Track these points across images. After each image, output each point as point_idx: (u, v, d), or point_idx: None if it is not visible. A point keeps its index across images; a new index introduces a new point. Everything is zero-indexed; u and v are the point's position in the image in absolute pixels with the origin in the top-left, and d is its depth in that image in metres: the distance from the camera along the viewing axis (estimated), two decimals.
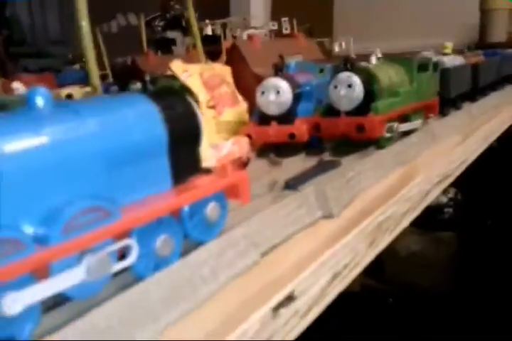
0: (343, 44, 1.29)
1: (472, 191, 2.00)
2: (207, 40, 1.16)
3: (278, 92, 0.53)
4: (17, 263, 0.19)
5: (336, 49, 1.30)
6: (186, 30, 1.22)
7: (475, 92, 0.82)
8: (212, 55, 0.90)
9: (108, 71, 0.82)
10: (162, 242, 0.26)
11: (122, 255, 0.25)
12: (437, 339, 1.20)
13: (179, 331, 0.25)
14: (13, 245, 0.19)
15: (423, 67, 0.60)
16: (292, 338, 0.29)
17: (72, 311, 0.24)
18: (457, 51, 1.21)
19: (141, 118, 0.26)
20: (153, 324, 0.24)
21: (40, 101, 0.23)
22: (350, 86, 0.50)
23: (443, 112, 0.70)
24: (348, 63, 0.51)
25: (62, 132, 0.23)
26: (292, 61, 0.60)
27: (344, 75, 0.50)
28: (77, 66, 1.08)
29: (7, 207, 0.20)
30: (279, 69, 0.54)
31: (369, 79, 0.51)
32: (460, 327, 1.23)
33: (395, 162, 0.51)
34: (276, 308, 0.28)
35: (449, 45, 1.29)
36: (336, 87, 0.51)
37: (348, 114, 0.51)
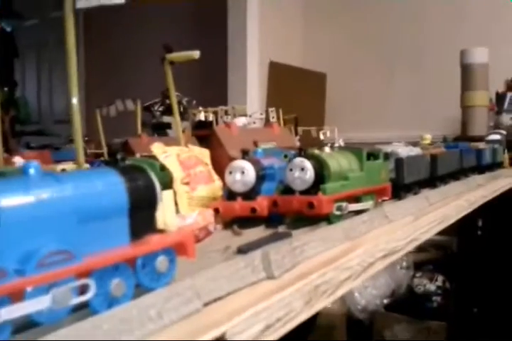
0: (328, 133, 1.41)
1: (460, 279, 2.03)
2: (200, 125, 1.28)
3: (243, 172, 0.61)
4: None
5: (322, 137, 1.42)
6: (183, 116, 1.34)
7: (434, 180, 0.91)
8: (204, 139, 1.01)
9: (104, 150, 0.92)
10: (116, 285, 0.33)
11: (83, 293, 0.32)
12: None
13: None
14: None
15: (374, 156, 0.69)
16: None
17: (39, 333, 0.30)
18: (434, 142, 1.32)
19: (108, 187, 0.34)
20: None
21: (32, 171, 0.31)
22: (303, 169, 0.59)
23: (399, 196, 0.78)
24: (302, 151, 0.60)
25: (46, 193, 0.30)
26: (260, 147, 0.69)
27: (298, 160, 0.59)
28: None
29: None
30: (245, 153, 0.63)
31: (320, 165, 0.60)
32: None
33: (343, 236, 0.58)
34: None
35: (428, 137, 1.41)
36: (291, 170, 0.59)
37: (302, 193, 0.59)
